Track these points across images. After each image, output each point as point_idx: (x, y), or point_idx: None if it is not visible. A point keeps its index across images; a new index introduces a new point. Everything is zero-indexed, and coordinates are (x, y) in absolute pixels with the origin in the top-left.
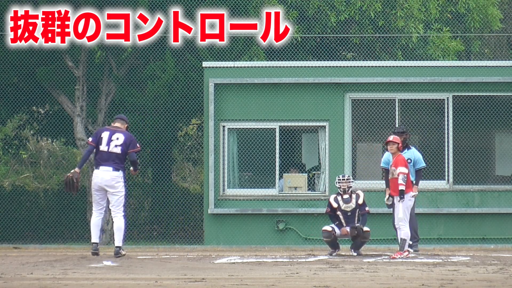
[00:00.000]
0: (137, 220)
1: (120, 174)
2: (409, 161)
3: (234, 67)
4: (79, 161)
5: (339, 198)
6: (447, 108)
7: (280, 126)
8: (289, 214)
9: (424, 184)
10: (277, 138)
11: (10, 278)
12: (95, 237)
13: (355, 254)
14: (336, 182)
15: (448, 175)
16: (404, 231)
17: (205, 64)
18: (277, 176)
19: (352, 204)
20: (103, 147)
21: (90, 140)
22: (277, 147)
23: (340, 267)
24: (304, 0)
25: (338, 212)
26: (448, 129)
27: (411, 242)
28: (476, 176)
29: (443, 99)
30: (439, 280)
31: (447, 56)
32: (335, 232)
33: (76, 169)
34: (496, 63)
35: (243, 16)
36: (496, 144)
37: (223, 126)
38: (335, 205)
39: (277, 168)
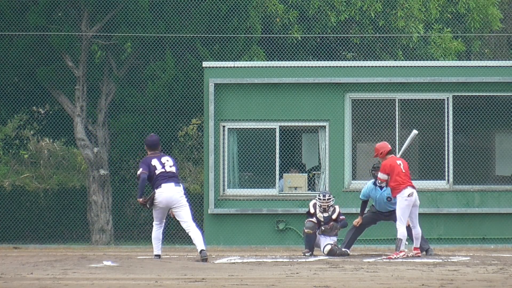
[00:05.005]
0: (137, 220)
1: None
2: (388, 199)
3: (234, 67)
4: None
5: (318, 206)
6: (447, 108)
7: (280, 126)
8: (289, 214)
9: (424, 184)
10: (277, 138)
11: (10, 278)
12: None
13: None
14: (317, 200)
15: (448, 175)
16: (400, 231)
17: (205, 64)
18: (277, 176)
19: (328, 217)
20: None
21: None
22: (277, 147)
23: (340, 267)
24: (304, 0)
25: (314, 218)
26: (448, 129)
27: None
28: (476, 176)
29: (443, 99)
30: (439, 280)
31: (448, 56)
32: (317, 231)
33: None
34: (496, 63)
35: (244, 15)
36: (496, 144)
37: (223, 126)
38: (312, 210)
39: (277, 168)
